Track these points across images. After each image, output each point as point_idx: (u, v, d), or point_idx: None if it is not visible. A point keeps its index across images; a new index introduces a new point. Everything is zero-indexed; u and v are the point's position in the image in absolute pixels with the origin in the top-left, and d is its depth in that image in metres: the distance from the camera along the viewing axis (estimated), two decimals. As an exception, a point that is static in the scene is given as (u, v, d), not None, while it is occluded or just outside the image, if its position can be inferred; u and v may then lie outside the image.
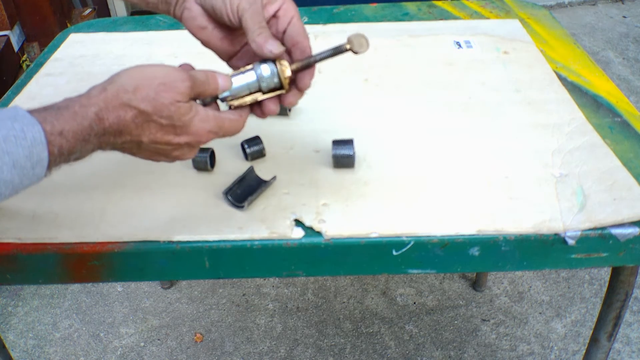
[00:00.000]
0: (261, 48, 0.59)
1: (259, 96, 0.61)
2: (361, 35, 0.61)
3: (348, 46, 0.61)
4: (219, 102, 0.61)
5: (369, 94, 0.90)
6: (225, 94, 0.60)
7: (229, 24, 0.61)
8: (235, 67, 0.67)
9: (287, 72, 0.60)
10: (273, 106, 0.62)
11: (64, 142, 0.50)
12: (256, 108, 0.63)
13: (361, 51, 0.61)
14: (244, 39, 0.65)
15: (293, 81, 0.61)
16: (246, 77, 0.60)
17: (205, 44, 0.65)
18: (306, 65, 0.61)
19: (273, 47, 0.59)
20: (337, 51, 0.61)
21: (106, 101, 0.52)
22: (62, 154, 0.50)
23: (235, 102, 0.60)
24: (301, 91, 0.62)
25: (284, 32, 0.61)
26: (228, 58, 0.67)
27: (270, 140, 0.78)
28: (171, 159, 0.59)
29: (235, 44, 0.65)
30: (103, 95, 0.52)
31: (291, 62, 0.61)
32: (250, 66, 0.61)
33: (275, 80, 0.60)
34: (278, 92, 0.61)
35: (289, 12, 0.61)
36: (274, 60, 0.60)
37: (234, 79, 0.60)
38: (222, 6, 0.60)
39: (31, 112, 0.50)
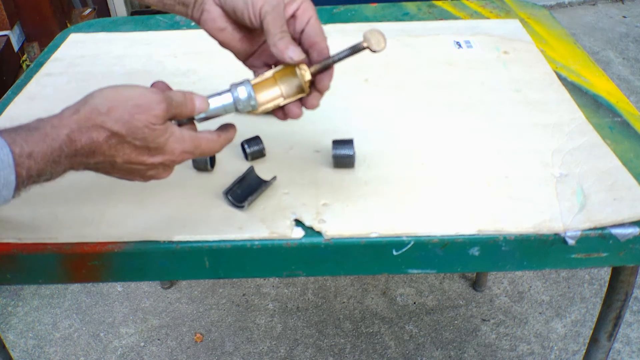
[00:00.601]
0: (282, 54, 0.59)
1: (281, 101, 0.61)
2: (378, 32, 0.61)
3: (365, 44, 0.61)
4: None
5: (369, 94, 0.90)
6: (201, 115, 0.60)
7: (250, 26, 0.61)
8: (251, 67, 0.67)
9: (307, 76, 0.60)
10: (297, 110, 0.62)
11: (32, 164, 0.49)
12: (277, 111, 0.63)
13: (379, 49, 0.61)
14: (262, 38, 0.65)
15: (312, 83, 0.62)
16: (222, 99, 0.60)
17: (223, 44, 0.65)
18: (325, 67, 0.61)
19: (294, 54, 0.59)
20: (355, 50, 0.61)
21: (79, 122, 0.52)
22: (30, 176, 0.50)
23: (259, 110, 0.61)
24: (321, 92, 0.63)
25: (302, 32, 0.61)
26: (245, 58, 0.66)
27: (270, 140, 0.78)
28: (146, 178, 0.58)
29: (254, 43, 0.65)
30: (75, 117, 0.52)
31: (309, 62, 0.61)
32: (227, 87, 0.61)
33: (252, 102, 0.60)
34: (300, 96, 0.62)
35: (307, 12, 0.61)
36: (250, 81, 0.60)
37: (210, 101, 0.60)
38: (243, 8, 0.60)
39: (0, 132, 0.49)
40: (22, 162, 0.49)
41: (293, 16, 0.61)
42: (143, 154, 0.55)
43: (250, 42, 0.65)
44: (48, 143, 0.50)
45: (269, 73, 0.61)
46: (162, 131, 0.54)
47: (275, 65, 0.63)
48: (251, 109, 0.61)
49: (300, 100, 0.63)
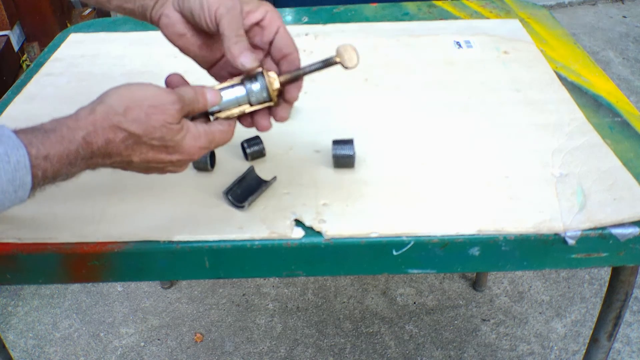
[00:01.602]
0: (235, 59, 0.57)
1: (247, 108, 0.60)
2: (351, 48, 0.60)
3: (338, 59, 0.61)
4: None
5: (369, 94, 0.90)
6: (214, 108, 0.59)
7: (208, 30, 0.60)
8: (216, 77, 0.65)
9: (276, 84, 0.60)
10: (265, 122, 0.61)
11: (48, 166, 0.49)
12: (244, 119, 0.62)
13: (351, 66, 0.60)
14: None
15: (281, 93, 0.61)
16: (235, 91, 0.60)
17: (184, 51, 0.63)
18: (295, 78, 0.60)
19: (246, 60, 0.57)
20: (327, 64, 0.61)
21: (95, 124, 0.51)
22: (46, 177, 0.50)
23: (223, 115, 0.60)
24: (289, 103, 0.61)
25: (271, 43, 0.60)
26: (209, 66, 0.65)
27: (270, 140, 0.78)
28: (164, 172, 0.59)
29: (215, 51, 0.64)
30: (92, 118, 0.52)
31: (279, 73, 0.60)
32: (239, 79, 0.60)
33: (265, 94, 0.60)
34: (266, 105, 0.61)
35: (275, 21, 0.60)
36: (263, 73, 0.59)
37: (223, 93, 0.59)
38: (200, 11, 0.58)
39: (17, 133, 0.49)
40: (39, 163, 0.49)
41: (259, 25, 0.60)
42: (161, 152, 0.55)
43: (211, 50, 0.63)
44: (65, 145, 0.50)
45: (237, 78, 0.60)
46: (178, 129, 0.55)
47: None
48: (264, 101, 0.60)
49: (270, 111, 0.61)
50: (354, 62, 0.60)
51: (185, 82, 0.60)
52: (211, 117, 0.60)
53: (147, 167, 0.57)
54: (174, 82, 0.60)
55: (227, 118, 0.60)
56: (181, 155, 0.56)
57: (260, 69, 0.60)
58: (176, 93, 0.55)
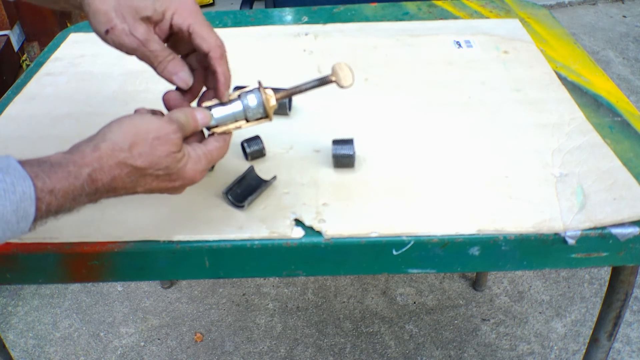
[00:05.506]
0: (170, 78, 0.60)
1: (243, 124, 0.61)
2: (346, 67, 0.61)
3: (333, 78, 0.61)
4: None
5: (369, 94, 0.90)
6: (212, 123, 0.60)
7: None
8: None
9: (272, 101, 0.60)
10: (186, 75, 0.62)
11: (53, 200, 0.49)
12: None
13: (346, 85, 0.61)
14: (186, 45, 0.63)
15: (213, 74, 0.61)
16: (233, 107, 0.60)
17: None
18: (290, 95, 0.62)
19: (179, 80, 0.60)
20: (322, 82, 0.62)
21: (100, 161, 0.52)
22: (49, 211, 0.50)
23: (219, 130, 0.61)
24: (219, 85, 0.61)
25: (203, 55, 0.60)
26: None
27: (270, 140, 0.78)
28: (163, 193, 0.59)
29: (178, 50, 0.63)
30: (97, 154, 0.52)
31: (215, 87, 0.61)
32: (236, 95, 0.61)
33: (261, 110, 0.60)
34: (263, 121, 0.62)
35: (185, 19, 0.59)
36: (260, 90, 0.60)
37: (220, 109, 0.60)
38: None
39: (23, 164, 0.49)
40: (43, 197, 0.49)
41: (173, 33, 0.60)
42: (164, 180, 0.56)
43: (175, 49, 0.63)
44: (70, 181, 0.50)
45: (234, 94, 0.61)
46: (181, 156, 0.56)
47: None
48: (260, 117, 0.61)
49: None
50: (349, 81, 0.61)
51: (182, 99, 0.61)
52: (206, 132, 0.61)
53: (150, 193, 0.58)
54: (172, 99, 0.61)
55: (223, 133, 0.61)
56: (183, 181, 0.57)
57: (257, 86, 0.61)
58: (175, 121, 0.56)
